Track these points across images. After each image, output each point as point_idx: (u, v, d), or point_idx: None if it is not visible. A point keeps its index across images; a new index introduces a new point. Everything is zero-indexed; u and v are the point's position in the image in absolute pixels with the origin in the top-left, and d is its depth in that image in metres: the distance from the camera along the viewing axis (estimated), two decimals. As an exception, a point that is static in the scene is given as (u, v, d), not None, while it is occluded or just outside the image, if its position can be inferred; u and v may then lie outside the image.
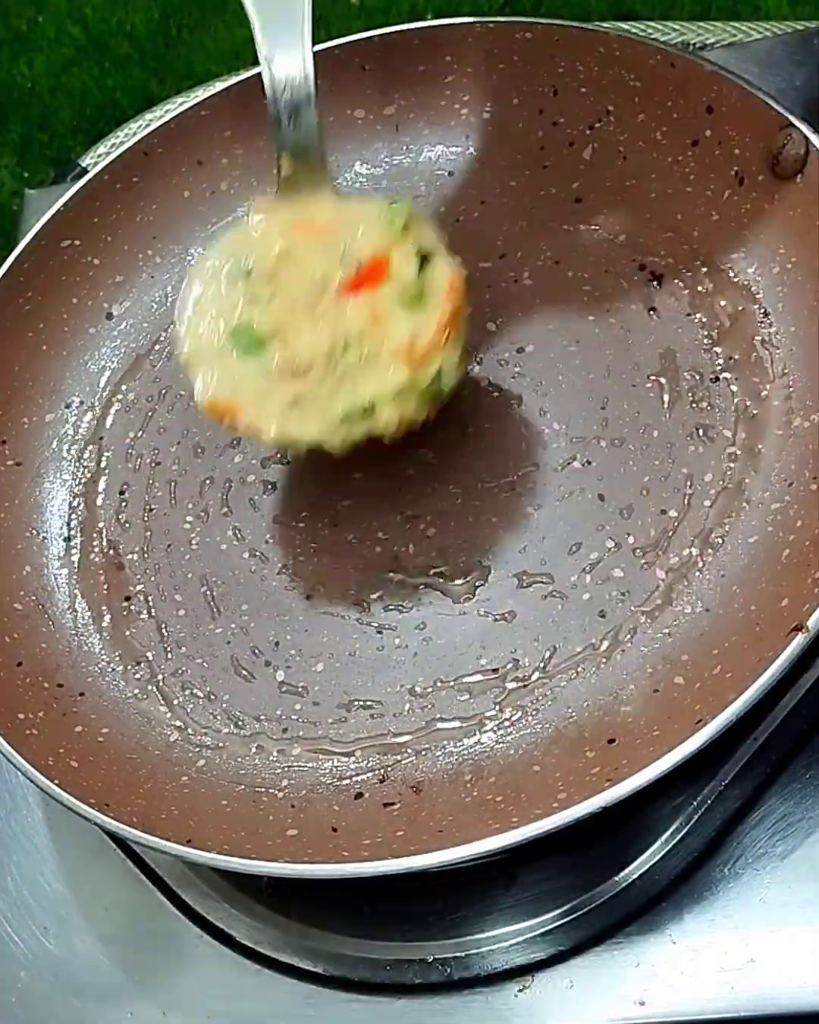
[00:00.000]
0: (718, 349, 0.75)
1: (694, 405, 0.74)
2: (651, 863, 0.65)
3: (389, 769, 0.68)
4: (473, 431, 0.78)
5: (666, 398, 0.75)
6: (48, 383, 0.86)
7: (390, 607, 0.74)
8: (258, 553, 0.78)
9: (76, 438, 0.85)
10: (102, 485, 0.83)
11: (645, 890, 0.65)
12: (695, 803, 0.65)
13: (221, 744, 0.71)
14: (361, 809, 0.66)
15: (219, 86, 0.88)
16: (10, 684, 0.73)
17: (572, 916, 0.65)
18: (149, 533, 0.80)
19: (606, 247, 0.81)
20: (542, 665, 0.69)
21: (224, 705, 0.73)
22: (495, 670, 0.70)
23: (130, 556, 0.80)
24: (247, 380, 0.67)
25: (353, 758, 0.69)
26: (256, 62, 0.70)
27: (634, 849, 0.65)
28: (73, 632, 0.77)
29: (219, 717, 0.73)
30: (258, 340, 0.67)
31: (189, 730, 0.72)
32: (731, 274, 0.77)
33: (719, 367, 0.74)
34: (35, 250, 0.85)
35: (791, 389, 0.71)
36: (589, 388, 0.77)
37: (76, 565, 0.80)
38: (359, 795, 0.67)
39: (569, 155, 0.84)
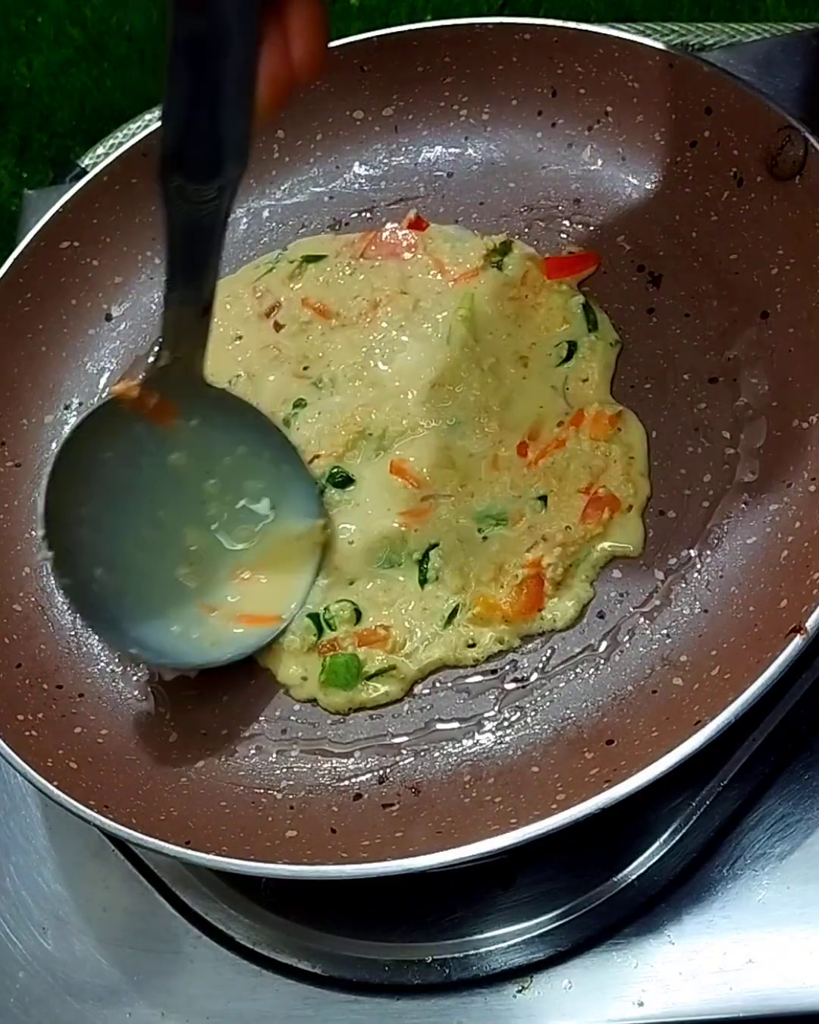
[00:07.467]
0: (717, 349, 0.75)
1: (693, 405, 0.74)
2: (650, 864, 0.65)
3: (388, 770, 0.68)
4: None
5: (665, 398, 0.75)
6: (47, 384, 0.86)
7: (389, 608, 0.74)
8: (257, 554, 0.78)
9: (75, 439, 0.85)
10: (101, 486, 0.83)
11: (644, 891, 0.65)
12: (694, 804, 0.65)
13: (220, 745, 0.71)
14: (360, 810, 0.66)
15: (218, 87, 0.88)
16: (10, 685, 0.73)
17: (571, 917, 0.65)
18: (148, 534, 0.80)
19: (606, 247, 0.81)
20: (541, 666, 0.69)
21: (223, 706, 0.73)
22: (494, 671, 0.70)
23: (129, 557, 0.80)
24: None
25: (352, 759, 0.69)
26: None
27: (633, 850, 0.65)
28: (73, 633, 0.77)
29: (218, 718, 0.73)
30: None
31: (188, 731, 0.72)
32: (730, 275, 0.77)
33: (718, 368, 0.74)
34: (34, 251, 0.85)
35: (789, 390, 0.71)
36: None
37: (75, 566, 0.80)
38: (358, 796, 0.67)
39: (568, 155, 0.84)
